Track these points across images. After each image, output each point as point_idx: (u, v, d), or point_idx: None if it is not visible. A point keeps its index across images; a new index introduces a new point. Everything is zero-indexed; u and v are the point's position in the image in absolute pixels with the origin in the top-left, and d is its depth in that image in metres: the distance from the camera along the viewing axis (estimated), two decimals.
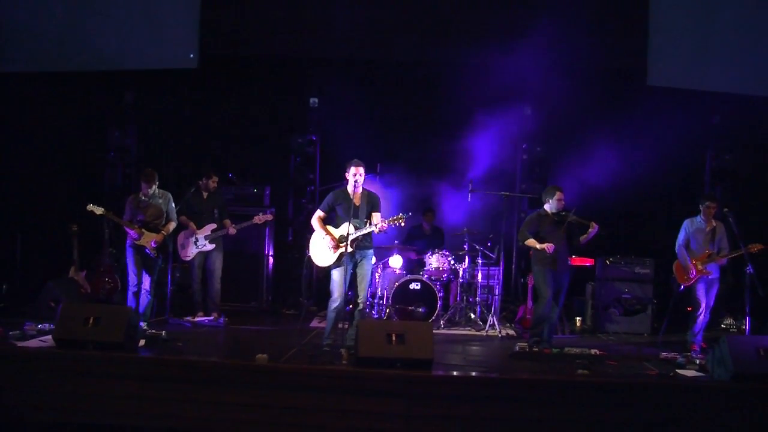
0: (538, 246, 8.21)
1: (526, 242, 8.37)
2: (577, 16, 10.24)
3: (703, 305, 8.51)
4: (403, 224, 7.71)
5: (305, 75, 11.22)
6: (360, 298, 7.74)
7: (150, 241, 8.67)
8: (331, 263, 7.67)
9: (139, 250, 8.74)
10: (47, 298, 9.14)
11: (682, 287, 8.58)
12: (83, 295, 9.52)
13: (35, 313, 8.85)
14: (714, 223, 8.62)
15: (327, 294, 7.82)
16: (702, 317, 8.52)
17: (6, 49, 11.18)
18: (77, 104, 11.28)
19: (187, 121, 11.48)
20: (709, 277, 8.51)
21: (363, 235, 7.58)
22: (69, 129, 11.29)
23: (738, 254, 8.31)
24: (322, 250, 7.75)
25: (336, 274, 7.66)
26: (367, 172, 7.80)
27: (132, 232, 8.71)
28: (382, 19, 10.91)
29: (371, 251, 7.83)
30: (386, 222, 7.57)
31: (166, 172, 9.56)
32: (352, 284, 7.82)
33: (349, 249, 7.46)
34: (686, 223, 8.73)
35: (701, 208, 8.63)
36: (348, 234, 7.39)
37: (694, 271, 8.47)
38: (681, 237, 8.69)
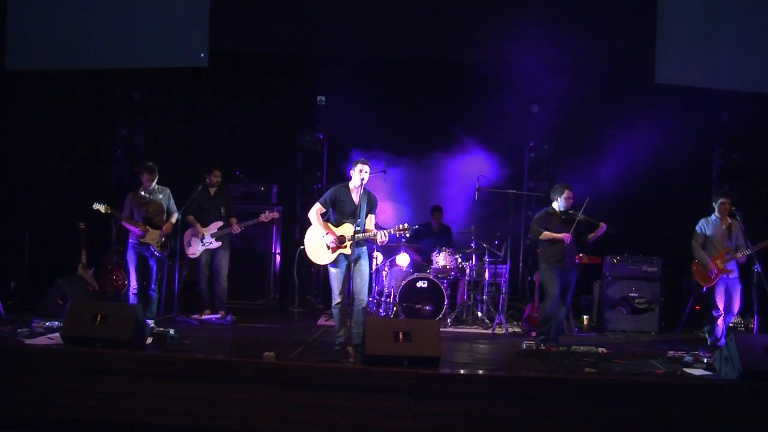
0: (556, 236, 8.15)
1: (540, 236, 8.26)
2: (585, 14, 10.21)
3: (722, 308, 8.42)
4: (407, 234, 7.66)
5: (313, 73, 11.18)
6: (361, 296, 7.58)
7: (154, 238, 8.70)
8: (328, 261, 7.58)
9: (142, 250, 8.78)
10: (55, 296, 9.19)
11: (704, 288, 8.53)
12: (91, 292, 9.57)
13: (43, 310, 8.93)
14: (729, 220, 8.57)
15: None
16: (722, 320, 8.41)
17: (15, 47, 11.22)
18: (85, 102, 11.31)
19: (194, 119, 11.47)
20: (730, 276, 8.43)
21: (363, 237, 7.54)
22: (77, 127, 11.33)
23: (759, 248, 8.15)
24: (319, 247, 7.61)
25: (335, 272, 7.58)
26: (374, 171, 7.75)
27: (136, 230, 8.74)
28: (390, 18, 10.90)
29: (365, 248, 7.75)
30: (390, 231, 7.54)
31: (173, 170, 9.60)
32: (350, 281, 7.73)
33: (348, 251, 7.46)
34: (701, 223, 8.65)
35: (715, 206, 8.58)
36: (353, 235, 7.40)
37: (715, 270, 8.39)
38: (697, 238, 8.62)
